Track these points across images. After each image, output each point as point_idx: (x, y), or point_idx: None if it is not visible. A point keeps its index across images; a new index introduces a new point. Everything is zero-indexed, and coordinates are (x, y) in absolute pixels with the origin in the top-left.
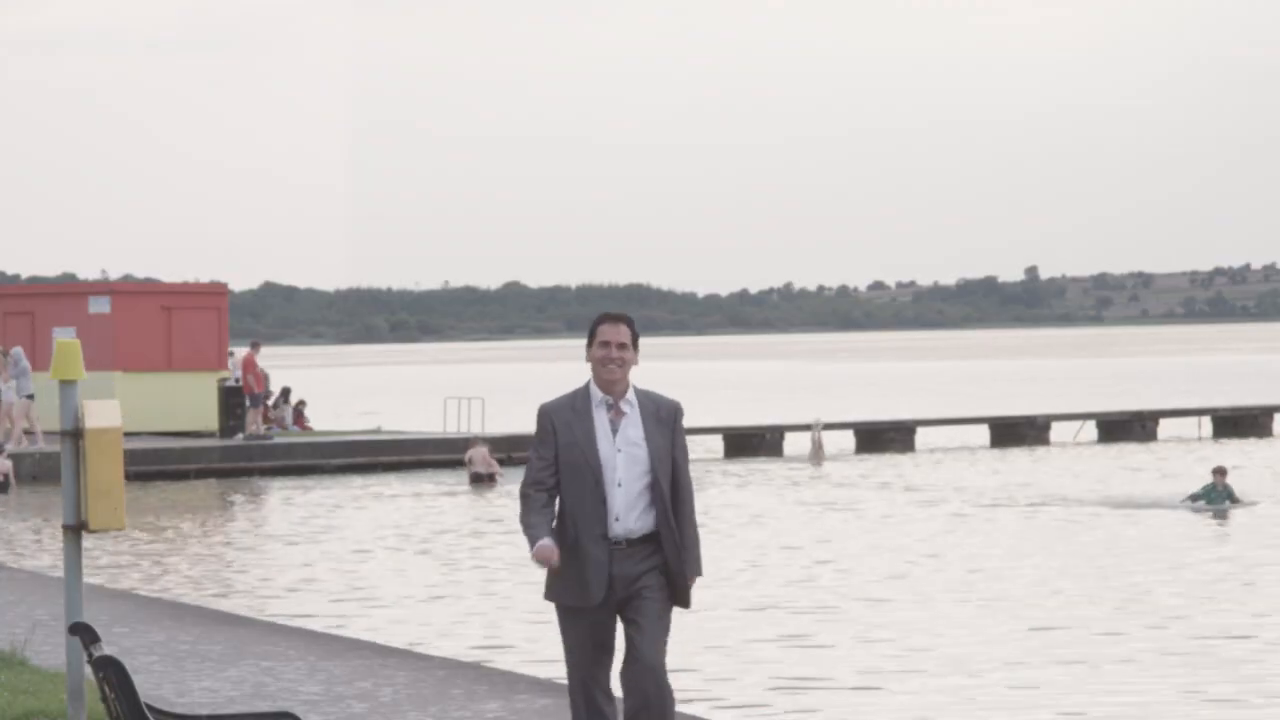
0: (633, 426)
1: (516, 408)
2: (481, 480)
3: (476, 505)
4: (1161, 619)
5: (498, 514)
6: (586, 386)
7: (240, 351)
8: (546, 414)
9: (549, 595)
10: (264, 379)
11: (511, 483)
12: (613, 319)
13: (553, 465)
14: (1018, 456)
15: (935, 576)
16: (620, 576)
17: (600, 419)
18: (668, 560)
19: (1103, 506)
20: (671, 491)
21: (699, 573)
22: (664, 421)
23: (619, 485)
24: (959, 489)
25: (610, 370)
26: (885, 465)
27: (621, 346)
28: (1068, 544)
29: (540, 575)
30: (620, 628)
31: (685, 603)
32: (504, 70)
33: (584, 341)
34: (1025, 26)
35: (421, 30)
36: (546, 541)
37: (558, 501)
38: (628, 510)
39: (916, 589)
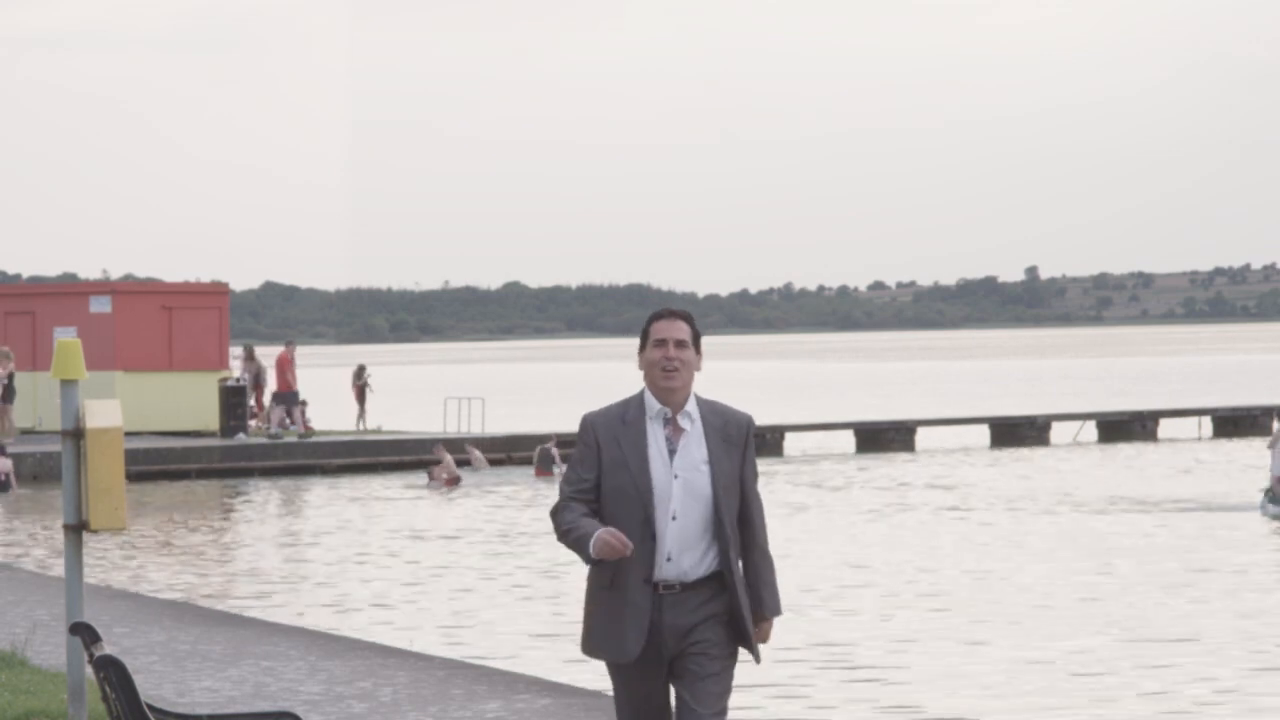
0: (695, 446)
1: (516, 408)
2: (454, 483)
3: (475, 505)
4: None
5: (495, 515)
6: (640, 396)
7: (273, 351)
8: (590, 425)
9: (585, 649)
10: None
11: (470, 483)
12: (669, 314)
13: (593, 490)
14: (1042, 457)
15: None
16: (671, 627)
17: (655, 436)
18: (731, 606)
19: (1178, 510)
20: (741, 520)
21: (777, 611)
22: (732, 440)
23: (673, 518)
24: (1018, 493)
25: (669, 376)
26: (926, 468)
27: (680, 345)
28: (1163, 550)
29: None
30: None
31: (756, 654)
32: (504, 71)
33: (586, 340)
34: (1025, 26)
35: (422, 31)
36: (604, 532)
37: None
38: (683, 549)
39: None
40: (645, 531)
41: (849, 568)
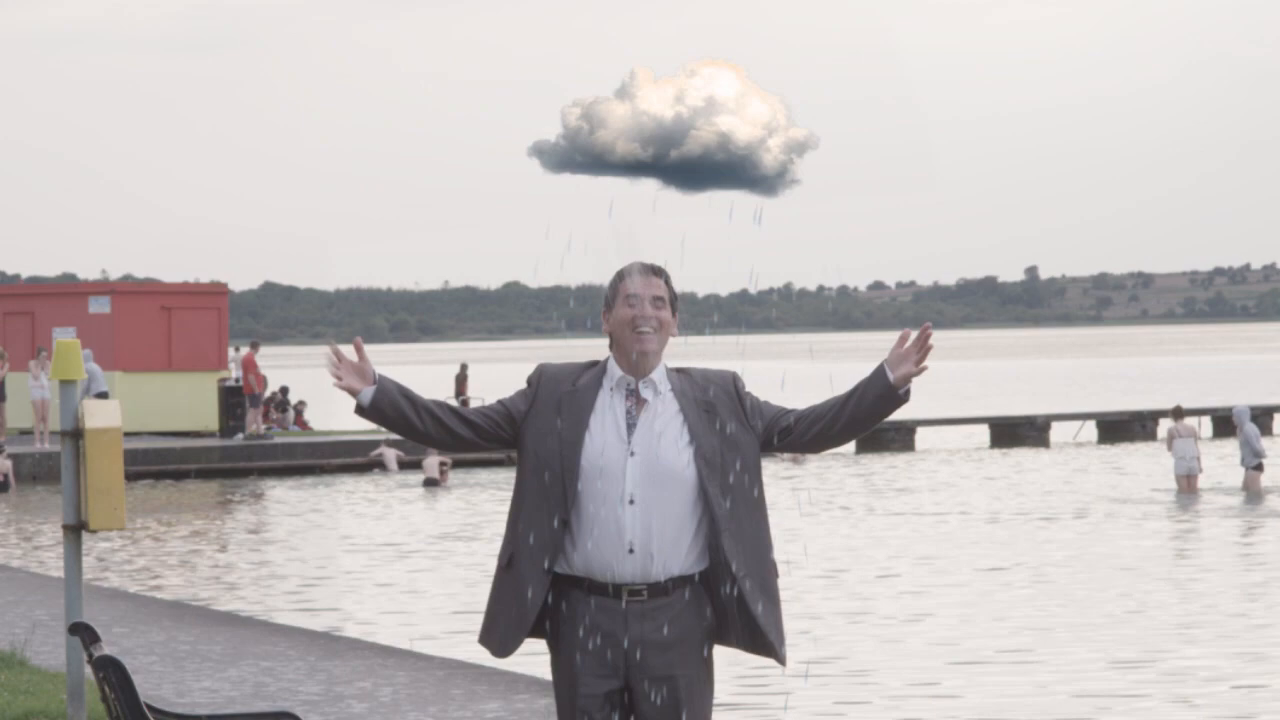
0: (660, 420)
1: None
2: (434, 484)
3: (472, 505)
4: None
5: (489, 513)
6: (604, 362)
7: (241, 351)
8: (537, 376)
9: (480, 637)
10: (264, 379)
11: (459, 485)
12: (642, 268)
13: (494, 414)
14: (1067, 456)
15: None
16: (641, 642)
17: (612, 407)
18: (727, 610)
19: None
20: (793, 419)
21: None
22: (717, 408)
23: (630, 502)
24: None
25: (642, 337)
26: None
27: (657, 303)
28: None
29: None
30: None
31: (781, 656)
32: (503, 71)
33: (586, 340)
34: (1026, 26)
35: (420, 32)
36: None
37: (509, 517)
38: (648, 541)
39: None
40: (559, 512)
41: (863, 574)
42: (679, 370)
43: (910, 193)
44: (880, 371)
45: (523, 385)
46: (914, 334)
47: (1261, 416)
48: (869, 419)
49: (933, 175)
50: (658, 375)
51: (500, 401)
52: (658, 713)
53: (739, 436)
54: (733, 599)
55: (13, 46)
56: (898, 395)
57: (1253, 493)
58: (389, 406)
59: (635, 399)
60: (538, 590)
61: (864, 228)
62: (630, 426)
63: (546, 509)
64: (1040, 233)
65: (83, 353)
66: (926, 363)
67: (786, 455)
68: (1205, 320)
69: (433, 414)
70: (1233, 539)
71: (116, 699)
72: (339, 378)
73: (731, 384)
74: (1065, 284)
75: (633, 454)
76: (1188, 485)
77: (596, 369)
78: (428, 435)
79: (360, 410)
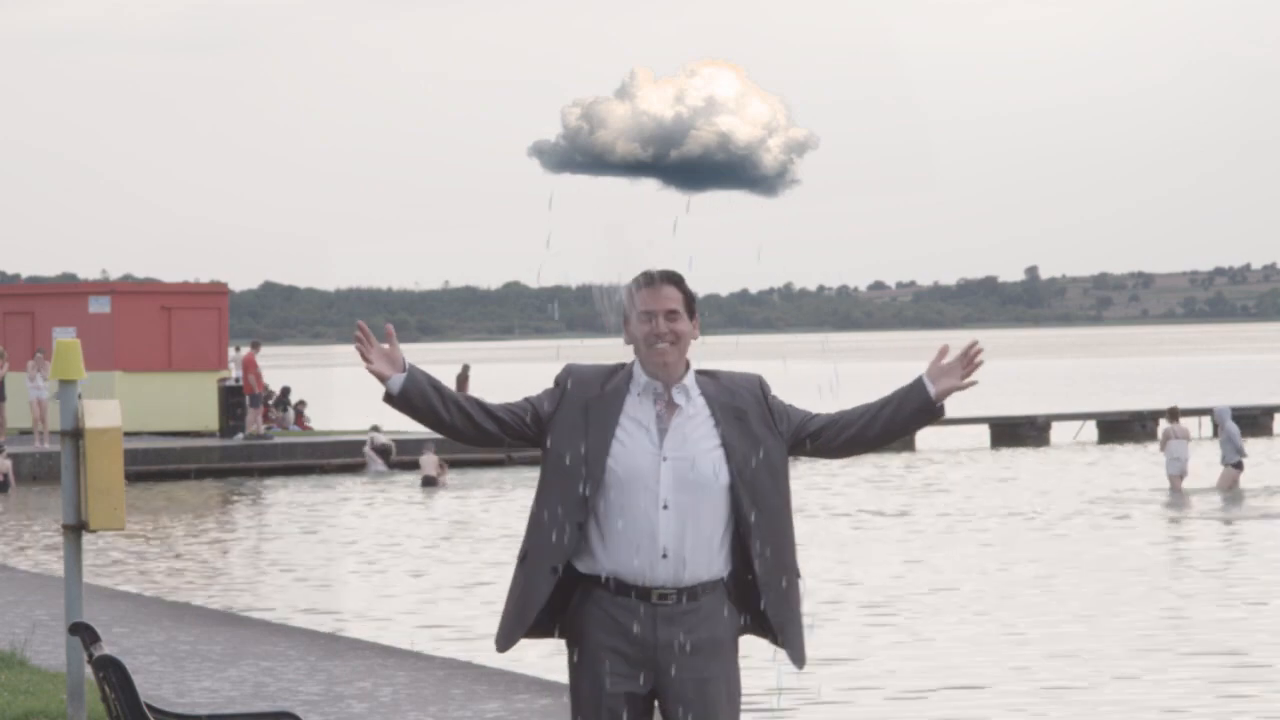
0: (692, 426)
1: None
2: (432, 483)
3: (471, 505)
4: None
5: (489, 513)
6: (631, 366)
7: (242, 351)
8: (565, 376)
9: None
10: (265, 385)
11: (459, 488)
12: (655, 279)
13: (520, 409)
14: (1074, 456)
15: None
16: (667, 645)
17: (641, 412)
18: (765, 611)
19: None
20: (824, 422)
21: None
22: (748, 414)
23: (664, 507)
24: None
25: (660, 351)
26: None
27: (672, 316)
28: None
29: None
30: None
31: (800, 657)
32: (503, 71)
33: (586, 341)
34: (1026, 26)
35: (420, 32)
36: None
37: (530, 514)
38: (681, 545)
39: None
40: (580, 515)
41: (880, 577)
42: (706, 373)
43: (910, 193)
44: (920, 385)
45: (550, 385)
46: (954, 349)
47: (1261, 416)
48: (903, 430)
49: (933, 175)
50: (688, 380)
51: (527, 399)
52: (689, 714)
53: (767, 441)
54: (757, 603)
55: (13, 46)
56: (936, 409)
57: (1232, 492)
58: (418, 396)
59: (665, 404)
60: (542, 590)
61: (864, 228)
62: (661, 431)
63: (567, 510)
64: (1040, 233)
65: None
66: (974, 377)
67: None
68: (1205, 320)
69: (460, 407)
70: (1217, 544)
71: (116, 699)
72: (369, 360)
73: (758, 387)
74: (1065, 284)
75: (665, 459)
76: (1180, 486)
77: (624, 372)
78: (454, 428)
79: (389, 398)
